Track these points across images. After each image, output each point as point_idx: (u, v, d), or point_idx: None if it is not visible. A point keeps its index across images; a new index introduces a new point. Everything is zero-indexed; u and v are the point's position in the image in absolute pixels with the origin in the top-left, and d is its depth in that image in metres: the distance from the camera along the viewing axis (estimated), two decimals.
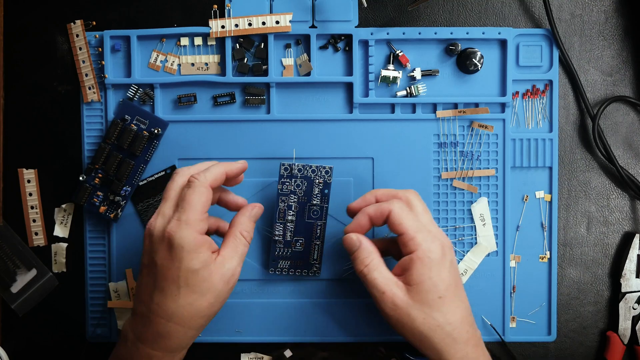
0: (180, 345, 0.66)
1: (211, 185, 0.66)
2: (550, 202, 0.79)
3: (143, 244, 0.67)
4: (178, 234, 0.63)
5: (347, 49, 0.79)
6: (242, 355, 0.80)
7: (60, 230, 0.80)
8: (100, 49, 0.78)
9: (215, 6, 0.78)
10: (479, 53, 0.78)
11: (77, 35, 0.79)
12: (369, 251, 0.68)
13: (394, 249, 0.72)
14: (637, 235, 0.80)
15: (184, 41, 0.78)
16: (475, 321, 0.69)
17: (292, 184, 0.75)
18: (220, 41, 0.79)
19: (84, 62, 0.78)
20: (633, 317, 0.80)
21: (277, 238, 0.76)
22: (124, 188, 0.78)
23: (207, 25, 0.78)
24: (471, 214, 0.79)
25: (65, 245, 0.80)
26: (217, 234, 0.73)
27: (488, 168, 0.79)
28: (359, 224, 0.70)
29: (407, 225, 0.66)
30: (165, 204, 0.66)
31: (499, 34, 0.78)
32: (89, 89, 0.79)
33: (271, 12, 0.78)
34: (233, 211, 0.72)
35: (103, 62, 0.78)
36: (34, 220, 0.79)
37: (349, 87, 0.79)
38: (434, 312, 0.66)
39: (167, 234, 0.64)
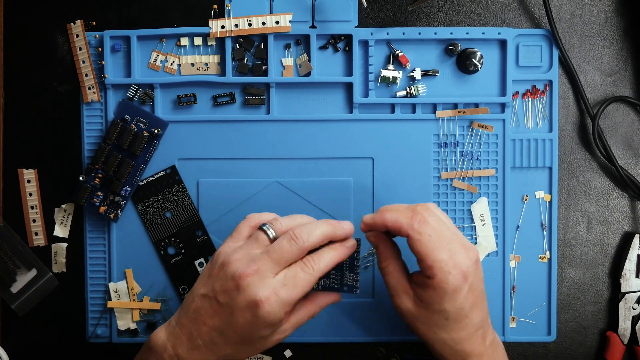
0: None
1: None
2: (550, 202, 0.79)
3: (219, 271, 0.65)
4: (270, 308, 0.63)
5: (347, 49, 0.79)
6: None
7: (60, 230, 0.80)
8: (100, 49, 0.78)
9: (215, 6, 0.78)
10: (478, 53, 0.78)
11: (77, 36, 0.79)
12: (386, 256, 0.69)
13: None
14: (637, 235, 0.80)
15: (184, 41, 0.78)
16: (492, 333, 0.70)
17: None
18: (220, 41, 0.79)
19: (84, 62, 0.78)
20: (633, 317, 0.80)
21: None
22: (124, 188, 0.78)
23: (207, 25, 0.78)
24: (471, 214, 0.79)
25: (65, 245, 0.80)
26: None
27: (488, 168, 0.79)
28: (376, 223, 0.68)
29: (425, 254, 0.64)
30: (269, 264, 0.64)
31: (498, 34, 0.78)
32: (89, 89, 0.79)
33: (271, 12, 0.78)
34: None
35: (103, 62, 0.78)
36: (34, 220, 0.79)
37: (348, 87, 0.79)
38: (438, 329, 0.67)
39: (259, 302, 0.62)
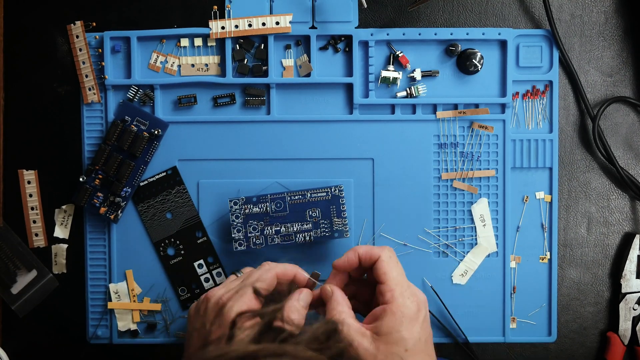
0: None
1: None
2: (551, 203, 0.79)
3: (204, 309, 0.67)
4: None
5: (347, 49, 0.79)
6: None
7: (60, 232, 0.80)
8: (100, 50, 0.78)
9: (215, 7, 0.78)
10: (479, 54, 0.78)
11: (77, 36, 0.79)
12: (339, 302, 0.68)
13: (362, 294, 0.72)
14: (637, 236, 0.80)
15: (184, 42, 0.78)
16: None
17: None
18: (220, 42, 0.79)
19: (84, 63, 0.78)
20: (633, 317, 0.80)
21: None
22: (124, 189, 0.78)
23: (207, 26, 0.78)
24: (471, 215, 0.79)
25: (65, 246, 0.80)
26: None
27: (488, 169, 0.79)
28: (348, 259, 0.70)
29: (390, 276, 0.67)
30: (243, 285, 0.67)
31: (499, 34, 0.78)
32: (89, 90, 0.79)
33: (271, 13, 0.78)
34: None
35: (103, 63, 0.78)
36: (34, 222, 0.79)
37: (349, 88, 0.79)
38: None
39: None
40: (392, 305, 0.66)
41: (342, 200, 0.75)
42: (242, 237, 0.76)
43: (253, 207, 0.76)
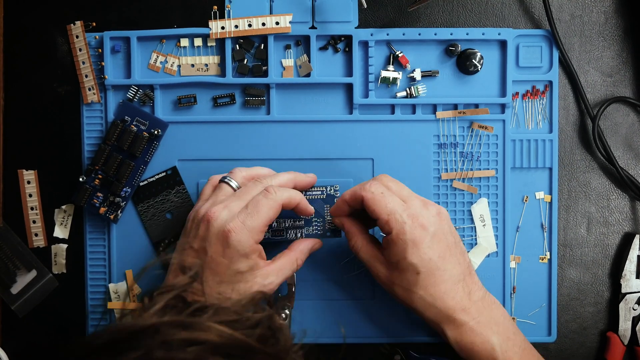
0: None
1: (283, 205, 0.69)
2: (550, 203, 0.79)
3: (192, 224, 0.69)
4: (237, 237, 0.66)
5: (347, 49, 0.79)
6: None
7: (60, 232, 0.80)
8: (100, 50, 0.78)
9: (215, 7, 0.78)
10: (478, 54, 0.78)
11: (77, 37, 0.79)
12: (352, 232, 0.71)
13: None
14: (637, 236, 0.80)
15: (184, 42, 0.78)
16: (481, 290, 0.70)
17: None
18: (220, 42, 0.79)
19: (83, 63, 0.78)
20: (633, 317, 0.80)
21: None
22: (124, 189, 0.78)
23: (207, 26, 0.78)
24: (471, 215, 0.79)
25: (65, 246, 0.80)
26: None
27: (488, 169, 0.79)
28: (339, 207, 0.72)
29: (379, 210, 0.68)
30: (235, 201, 0.68)
31: (498, 34, 0.78)
32: (89, 90, 0.79)
33: (271, 13, 0.78)
34: (300, 215, 0.74)
35: (103, 63, 0.78)
36: (34, 222, 0.79)
37: (349, 88, 0.79)
38: (412, 286, 0.68)
39: (227, 232, 0.66)
40: (392, 236, 0.67)
41: (336, 200, 0.75)
42: None
43: None
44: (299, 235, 0.75)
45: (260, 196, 0.67)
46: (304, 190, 0.74)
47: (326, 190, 0.76)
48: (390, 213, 0.67)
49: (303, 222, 0.75)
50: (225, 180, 0.72)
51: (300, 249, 0.73)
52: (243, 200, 0.68)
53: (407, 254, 0.66)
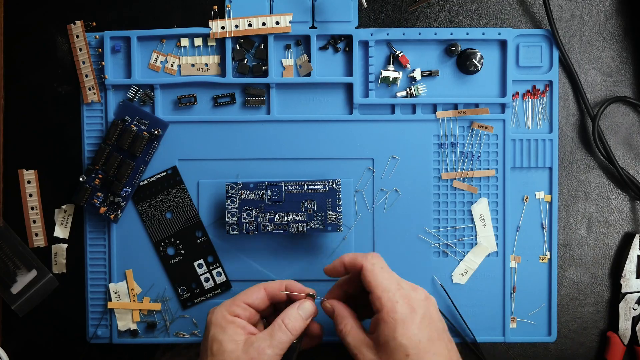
0: None
1: (269, 296, 0.69)
2: (550, 203, 0.79)
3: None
4: (213, 315, 0.67)
5: (347, 49, 0.79)
6: None
7: (60, 231, 0.80)
8: (100, 50, 0.78)
9: (216, 7, 0.78)
10: (479, 54, 0.78)
11: (77, 36, 0.79)
12: (342, 316, 0.69)
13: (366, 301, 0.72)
14: (637, 235, 0.80)
15: (184, 42, 0.78)
16: None
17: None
18: (220, 42, 0.79)
19: (84, 62, 0.78)
20: (633, 317, 0.80)
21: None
22: (124, 189, 0.78)
23: (207, 26, 0.78)
24: (471, 215, 0.79)
25: (65, 246, 0.80)
26: None
27: (488, 169, 0.79)
28: (334, 266, 0.71)
29: (375, 284, 0.66)
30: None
31: (499, 34, 0.78)
32: (89, 89, 0.79)
33: (271, 12, 0.78)
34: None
35: (103, 63, 0.78)
36: (34, 221, 0.79)
37: (349, 87, 0.79)
38: None
39: (208, 317, 0.68)
40: (382, 313, 0.65)
41: (338, 195, 0.76)
42: (235, 222, 0.76)
43: (249, 193, 0.76)
44: (300, 229, 0.75)
45: (287, 333, 0.67)
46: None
47: (328, 184, 0.76)
48: (384, 290, 0.66)
49: (305, 216, 0.75)
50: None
51: (286, 313, 0.69)
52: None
53: (397, 333, 0.64)
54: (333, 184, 0.76)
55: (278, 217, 0.75)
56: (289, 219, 0.76)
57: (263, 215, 0.76)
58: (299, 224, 0.76)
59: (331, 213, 0.75)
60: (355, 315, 0.70)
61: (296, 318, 0.68)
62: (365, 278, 0.67)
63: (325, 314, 0.70)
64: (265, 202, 0.76)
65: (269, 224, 0.76)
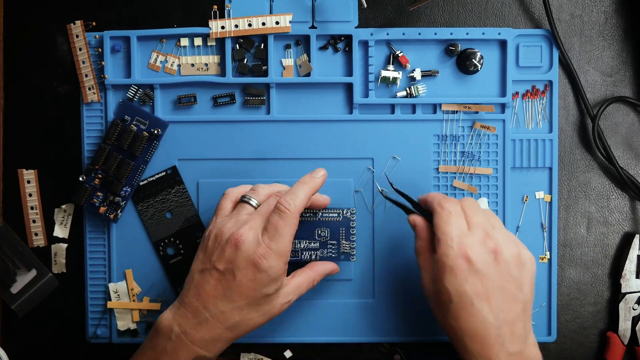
0: (222, 349, 0.70)
1: (299, 212, 0.69)
2: (550, 203, 0.79)
3: (214, 244, 0.68)
4: (268, 263, 0.67)
5: (347, 49, 0.79)
6: (242, 355, 0.80)
7: (60, 231, 0.80)
8: (100, 50, 0.78)
9: (215, 7, 0.78)
10: (478, 53, 0.78)
11: (77, 36, 0.79)
12: (420, 236, 0.70)
13: None
14: (637, 235, 0.80)
15: (184, 42, 0.78)
16: (517, 337, 0.66)
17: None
18: (220, 42, 0.79)
19: (83, 62, 0.78)
20: (633, 317, 0.80)
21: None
22: (124, 188, 0.78)
23: (207, 25, 0.78)
24: None
25: (65, 245, 0.80)
26: None
27: (488, 168, 0.79)
28: (420, 200, 0.73)
29: (438, 225, 0.67)
30: (256, 219, 0.69)
31: (498, 34, 0.78)
32: (89, 89, 0.79)
33: (271, 12, 0.78)
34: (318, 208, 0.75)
35: (103, 63, 0.78)
36: (34, 221, 0.79)
37: (348, 87, 0.79)
38: (445, 313, 0.66)
39: (258, 258, 0.67)
40: (436, 255, 0.67)
41: (352, 224, 0.75)
42: None
43: None
44: (313, 257, 0.74)
45: (276, 217, 0.68)
46: (317, 209, 0.75)
47: (342, 212, 0.75)
48: (444, 233, 0.67)
49: (318, 244, 0.74)
50: (246, 199, 0.71)
51: (319, 271, 0.73)
52: (262, 217, 0.69)
53: (444, 277, 0.65)
54: (347, 212, 0.75)
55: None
56: (302, 246, 0.75)
57: None
58: (312, 252, 0.75)
59: (344, 242, 0.75)
60: (431, 237, 0.70)
61: (321, 278, 0.74)
62: (434, 220, 0.68)
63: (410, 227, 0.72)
64: None
65: None
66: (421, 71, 0.78)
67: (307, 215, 0.75)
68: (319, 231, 0.75)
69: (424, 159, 0.79)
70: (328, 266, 0.74)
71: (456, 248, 0.66)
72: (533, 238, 0.79)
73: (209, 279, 0.67)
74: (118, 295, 0.79)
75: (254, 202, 0.71)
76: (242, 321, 0.68)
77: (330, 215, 0.75)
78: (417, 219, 0.71)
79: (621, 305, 0.80)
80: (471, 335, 0.65)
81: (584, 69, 0.80)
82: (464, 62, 0.78)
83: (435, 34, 0.78)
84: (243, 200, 0.72)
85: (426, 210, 0.71)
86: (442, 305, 0.66)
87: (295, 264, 0.74)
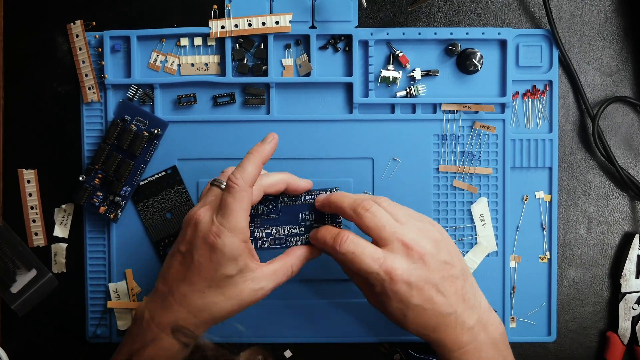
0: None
1: (269, 191, 0.67)
2: (550, 203, 0.79)
3: (182, 228, 0.67)
4: (222, 240, 0.63)
5: (347, 49, 0.79)
6: (242, 355, 0.80)
7: (60, 231, 0.80)
8: (100, 49, 0.78)
9: (215, 6, 0.78)
10: (478, 53, 0.78)
11: (77, 36, 0.79)
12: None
13: None
14: (637, 235, 0.80)
15: (184, 41, 0.78)
16: (470, 308, 0.66)
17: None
18: (220, 41, 0.79)
19: (83, 62, 0.78)
20: (633, 317, 0.80)
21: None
22: (124, 188, 0.78)
23: (207, 25, 0.78)
24: (471, 214, 0.79)
25: (65, 245, 0.80)
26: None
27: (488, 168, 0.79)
28: (322, 204, 0.70)
29: (357, 269, 0.65)
30: (217, 200, 0.66)
31: (498, 34, 0.78)
32: (89, 89, 0.79)
33: (271, 12, 0.78)
34: (298, 194, 0.72)
35: (103, 63, 0.78)
36: (34, 221, 0.79)
37: (348, 87, 0.79)
38: (403, 322, 0.66)
39: (212, 236, 0.64)
40: (375, 289, 0.65)
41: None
42: None
43: None
44: (299, 242, 0.71)
45: (226, 194, 0.64)
46: (299, 194, 0.72)
47: (326, 193, 0.72)
48: (367, 272, 0.64)
49: (303, 229, 0.72)
50: (216, 182, 0.68)
51: (297, 255, 0.69)
52: (218, 197, 0.66)
53: (393, 303, 0.65)
54: (331, 192, 0.71)
55: (275, 232, 0.71)
56: (286, 232, 0.72)
57: (259, 230, 0.72)
58: (297, 237, 0.71)
59: (331, 224, 0.71)
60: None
61: (301, 263, 0.70)
62: (361, 226, 0.67)
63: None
64: (260, 216, 0.72)
65: (265, 239, 0.72)
66: (421, 71, 0.78)
67: (289, 199, 0.72)
68: (303, 215, 0.72)
69: (424, 159, 0.79)
70: (306, 251, 0.70)
71: (387, 279, 0.64)
72: (533, 238, 0.79)
73: (173, 263, 0.66)
74: (118, 295, 0.79)
75: (223, 185, 0.67)
76: (205, 305, 0.65)
77: (313, 196, 0.71)
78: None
79: (621, 305, 0.80)
80: (433, 329, 0.65)
81: (584, 69, 0.80)
82: (464, 62, 0.78)
83: (435, 33, 0.78)
84: (213, 183, 0.68)
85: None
86: (398, 318, 0.66)
87: (279, 252, 0.72)
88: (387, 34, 0.78)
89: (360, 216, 0.66)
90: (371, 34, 0.78)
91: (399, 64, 0.79)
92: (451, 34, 0.78)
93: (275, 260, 0.68)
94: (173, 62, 0.79)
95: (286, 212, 0.72)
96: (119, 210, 0.78)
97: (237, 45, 0.78)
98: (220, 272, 0.64)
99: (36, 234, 0.80)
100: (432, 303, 0.65)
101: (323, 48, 0.79)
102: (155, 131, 0.78)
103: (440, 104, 0.78)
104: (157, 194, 0.79)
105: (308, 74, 0.78)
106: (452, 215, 0.79)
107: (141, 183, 0.79)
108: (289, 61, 0.79)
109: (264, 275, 0.66)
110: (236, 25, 0.78)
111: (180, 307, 0.65)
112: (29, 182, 0.79)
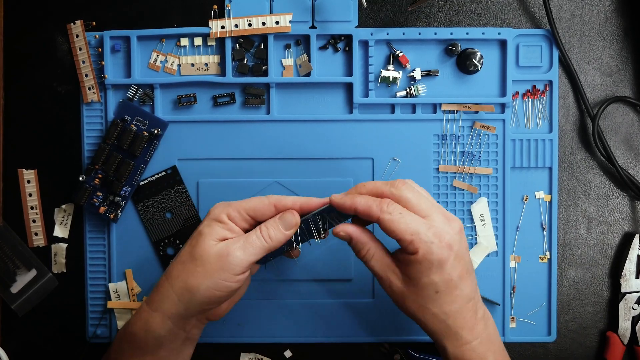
0: (171, 313, 0.66)
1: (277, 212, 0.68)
2: (550, 203, 0.79)
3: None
4: (214, 209, 0.68)
5: (347, 49, 0.79)
6: (242, 355, 0.80)
7: (60, 231, 0.80)
8: (100, 50, 0.78)
9: (215, 6, 0.78)
10: (478, 53, 0.78)
11: (77, 36, 0.79)
12: (363, 242, 0.67)
13: None
14: (637, 235, 0.80)
15: (184, 41, 0.78)
16: (482, 306, 0.67)
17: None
18: (220, 41, 0.79)
19: (83, 62, 0.78)
20: (633, 317, 0.80)
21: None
22: (124, 188, 0.78)
23: (207, 25, 0.78)
24: (471, 214, 0.79)
25: (65, 245, 0.80)
26: None
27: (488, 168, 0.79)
28: (344, 206, 0.66)
29: (400, 230, 0.63)
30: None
31: (498, 34, 0.78)
32: (89, 89, 0.79)
33: (271, 12, 0.78)
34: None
35: (103, 63, 0.78)
36: (34, 221, 0.79)
37: (348, 87, 0.79)
38: (429, 303, 0.65)
39: (229, 254, 0.65)
40: (416, 256, 0.63)
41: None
42: None
43: None
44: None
45: (254, 237, 0.67)
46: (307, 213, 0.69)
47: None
48: (413, 233, 0.63)
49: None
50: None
51: (267, 222, 0.68)
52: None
53: (432, 273, 0.64)
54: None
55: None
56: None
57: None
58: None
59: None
60: (374, 237, 0.67)
61: (275, 228, 0.67)
62: (387, 229, 0.64)
63: (342, 240, 0.67)
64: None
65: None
66: (421, 71, 0.78)
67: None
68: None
69: (424, 159, 0.79)
70: (282, 214, 0.68)
71: (436, 241, 0.63)
72: (533, 238, 0.79)
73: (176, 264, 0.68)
74: (118, 295, 0.79)
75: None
76: (180, 275, 0.66)
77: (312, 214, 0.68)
78: (349, 228, 0.67)
79: (621, 305, 0.80)
80: (455, 314, 0.65)
81: (584, 69, 0.80)
82: (464, 62, 0.78)
83: (435, 33, 0.78)
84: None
85: (348, 215, 0.67)
86: (424, 298, 0.65)
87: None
88: (387, 34, 0.78)
89: (384, 221, 0.64)
90: (371, 34, 0.78)
91: (399, 64, 0.79)
92: (451, 34, 0.78)
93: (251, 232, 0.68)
94: (173, 62, 0.79)
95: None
96: (119, 211, 0.78)
97: (237, 45, 0.78)
98: (195, 237, 0.67)
99: (36, 234, 0.80)
100: (463, 281, 0.65)
101: (323, 48, 0.79)
102: (155, 131, 0.78)
103: (440, 104, 0.79)
104: (157, 194, 0.79)
105: (308, 74, 0.78)
106: None
107: (141, 183, 0.79)
108: (289, 61, 0.79)
109: (233, 240, 0.66)
110: (236, 25, 0.78)
111: (165, 282, 0.67)
112: (29, 182, 0.79)
